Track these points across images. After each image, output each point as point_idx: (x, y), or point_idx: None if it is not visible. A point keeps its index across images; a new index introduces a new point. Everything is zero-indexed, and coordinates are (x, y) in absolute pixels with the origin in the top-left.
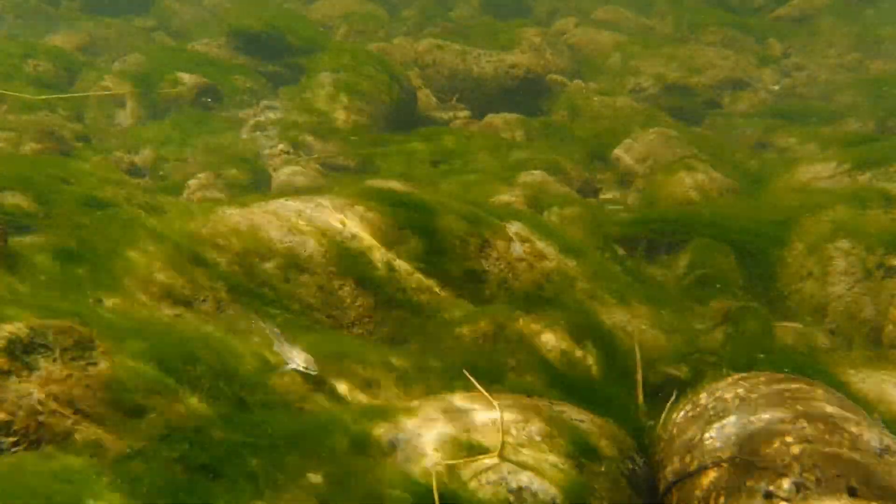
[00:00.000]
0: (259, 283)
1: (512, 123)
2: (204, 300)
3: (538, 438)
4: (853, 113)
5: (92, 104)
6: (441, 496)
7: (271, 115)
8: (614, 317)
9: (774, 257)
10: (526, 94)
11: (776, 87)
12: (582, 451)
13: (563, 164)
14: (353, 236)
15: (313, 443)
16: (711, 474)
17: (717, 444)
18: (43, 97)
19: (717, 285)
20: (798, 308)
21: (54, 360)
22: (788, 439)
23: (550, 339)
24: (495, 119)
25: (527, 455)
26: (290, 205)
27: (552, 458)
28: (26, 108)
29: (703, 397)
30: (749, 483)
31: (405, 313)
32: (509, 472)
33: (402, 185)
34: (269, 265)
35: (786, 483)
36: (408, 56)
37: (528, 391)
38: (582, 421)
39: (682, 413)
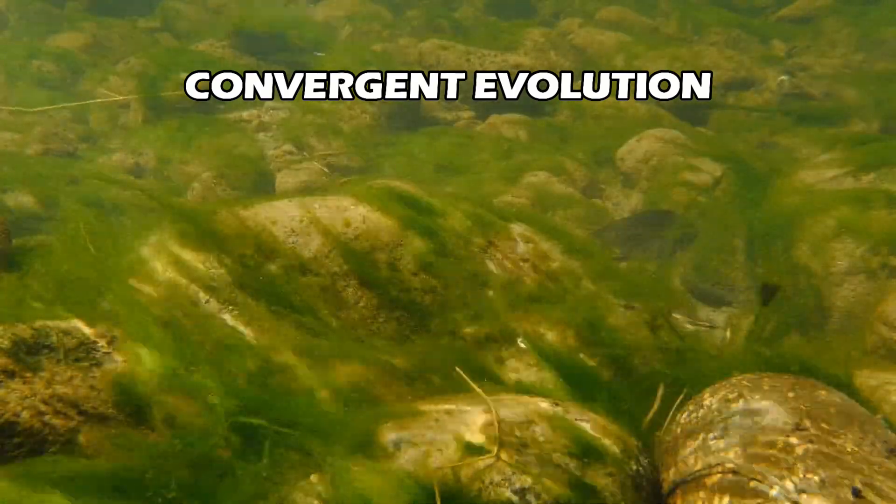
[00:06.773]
0: (263, 284)
1: (515, 124)
2: (207, 301)
3: (541, 439)
4: (858, 113)
5: (96, 105)
6: (443, 498)
7: (275, 115)
8: (619, 317)
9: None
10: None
11: (781, 83)
12: (586, 452)
13: (567, 164)
14: (357, 236)
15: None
16: (715, 475)
17: (721, 445)
18: (44, 108)
19: (722, 286)
20: (801, 308)
21: (58, 361)
22: (793, 440)
23: (555, 340)
24: (499, 120)
25: (530, 455)
26: (294, 205)
27: (555, 458)
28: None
29: (707, 398)
30: (753, 484)
31: (409, 313)
32: (513, 474)
33: (406, 185)
34: (273, 266)
35: (789, 484)
36: (412, 56)
37: (532, 391)
38: (586, 421)
39: (686, 413)
